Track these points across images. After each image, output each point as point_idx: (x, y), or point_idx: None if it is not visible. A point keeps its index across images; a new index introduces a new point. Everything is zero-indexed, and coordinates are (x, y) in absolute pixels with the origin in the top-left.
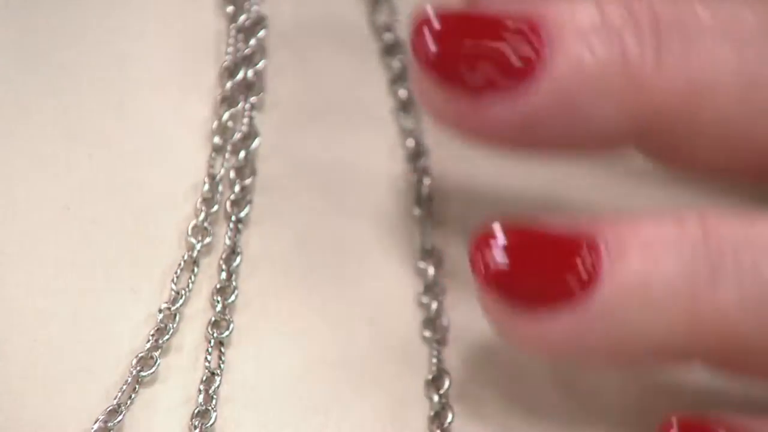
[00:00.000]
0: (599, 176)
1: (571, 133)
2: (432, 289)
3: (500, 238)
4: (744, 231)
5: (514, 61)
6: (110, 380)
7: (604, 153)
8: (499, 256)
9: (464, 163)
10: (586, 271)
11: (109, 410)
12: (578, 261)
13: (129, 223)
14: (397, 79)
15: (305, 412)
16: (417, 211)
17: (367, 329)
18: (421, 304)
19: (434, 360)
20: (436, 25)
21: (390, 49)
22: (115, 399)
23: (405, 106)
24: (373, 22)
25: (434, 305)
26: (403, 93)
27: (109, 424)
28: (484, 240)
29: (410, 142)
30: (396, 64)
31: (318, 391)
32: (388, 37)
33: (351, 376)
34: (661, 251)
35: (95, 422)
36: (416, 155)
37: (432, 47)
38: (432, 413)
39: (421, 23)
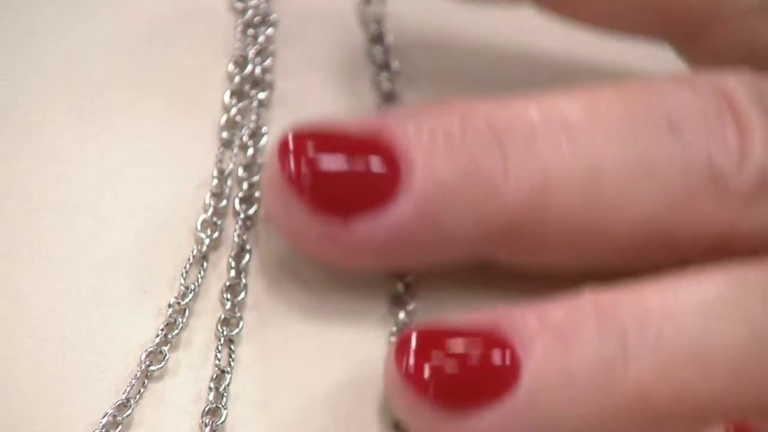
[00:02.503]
0: None
1: (435, 244)
2: None
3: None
4: (636, 304)
5: (374, 181)
6: (120, 375)
7: (466, 260)
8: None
9: None
10: (503, 366)
11: (118, 404)
12: (495, 356)
13: (139, 221)
14: (381, 69)
15: (316, 412)
16: None
17: (379, 327)
18: None
19: None
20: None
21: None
22: (124, 393)
23: (388, 98)
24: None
25: None
26: (386, 85)
27: (118, 418)
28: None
29: None
30: (380, 56)
31: (329, 390)
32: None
33: (364, 374)
34: (570, 336)
35: (104, 416)
36: None
37: (304, 170)
38: None
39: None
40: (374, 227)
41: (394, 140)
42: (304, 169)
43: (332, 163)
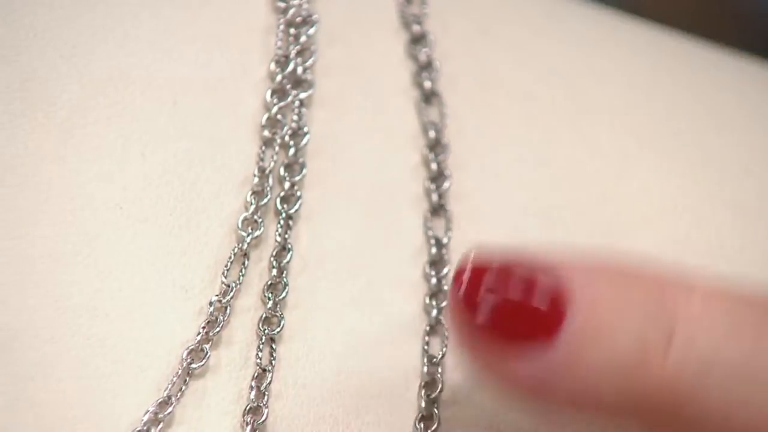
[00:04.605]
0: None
1: (580, 394)
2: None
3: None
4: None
5: (538, 319)
6: (161, 373)
7: (609, 419)
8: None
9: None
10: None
11: (160, 402)
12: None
13: (181, 220)
14: (422, 68)
15: (357, 409)
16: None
17: (417, 328)
18: None
19: None
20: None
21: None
22: (165, 390)
23: (429, 97)
24: (402, 13)
25: None
26: (427, 84)
27: (159, 416)
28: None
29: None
30: (422, 56)
31: (369, 388)
32: (416, 28)
33: (405, 373)
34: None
35: (145, 413)
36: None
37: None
38: None
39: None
40: (526, 367)
41: (570, 288)
42: (476, 295)
43: (504, 293)
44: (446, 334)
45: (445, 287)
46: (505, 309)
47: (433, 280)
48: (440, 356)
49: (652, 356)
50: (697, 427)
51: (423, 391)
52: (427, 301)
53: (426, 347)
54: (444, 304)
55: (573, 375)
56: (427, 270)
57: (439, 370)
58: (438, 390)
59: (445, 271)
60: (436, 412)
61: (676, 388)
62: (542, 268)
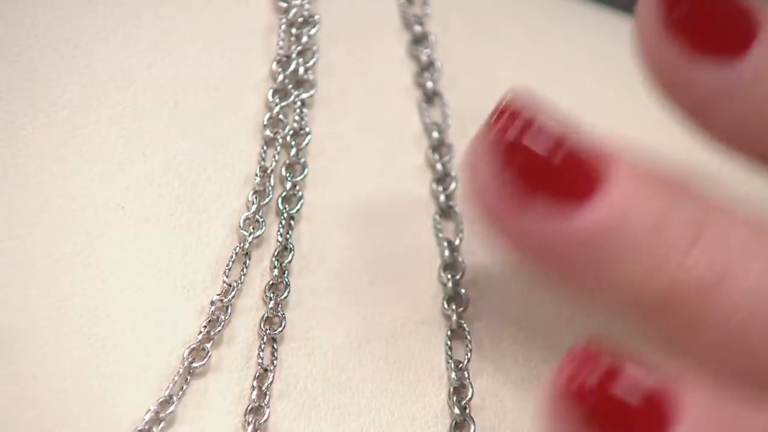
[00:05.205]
0: None
1: (594, 274)
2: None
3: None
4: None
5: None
6: (163, 373)
7: (616, 312)
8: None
9: None
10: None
11: (161, 401)
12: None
13: (183, 220)
14: (424, 68)
15: (358, 410)
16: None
17: (419, 329)
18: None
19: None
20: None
21: (419, 41)
22: (166, 390)
23: (431, 97)
24: (404, 14)
25: None
26: (429, 84)
27: (160, 415)
28: None
29: (435, 134)
30: (423, 57)
31: (370, 389)
32: (417, 29)
33: (404, 374)
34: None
35: (147, 412)
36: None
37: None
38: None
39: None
40: (554, 226)
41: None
42: (515, 134)
43: (543, 142)
44: (468, 338)
45: (462, 290)
46: None
47: (450, 284)
48: (466, 361)
49: (677, 246)
50: None
51: (454, 397)
52: (446, 306)
53: (450, 352)
54: (461, 309)
55: (593, 248)
56: (442, 274)
57: (467, 375)
58: (469, 396)
59: (459, 274)
60: (470, 416)
61: (689, 284)
62: None
